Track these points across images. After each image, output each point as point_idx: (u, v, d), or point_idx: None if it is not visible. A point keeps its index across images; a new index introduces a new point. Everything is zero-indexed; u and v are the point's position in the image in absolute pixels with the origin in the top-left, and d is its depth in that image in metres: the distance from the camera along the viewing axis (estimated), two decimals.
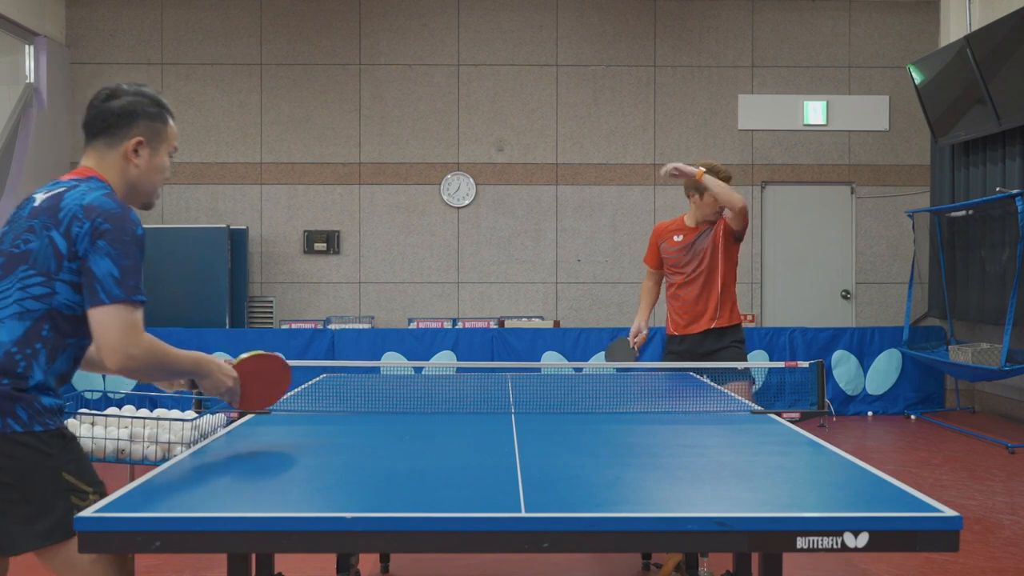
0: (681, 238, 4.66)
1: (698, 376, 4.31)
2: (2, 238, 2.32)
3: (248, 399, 2.60)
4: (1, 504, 2.12)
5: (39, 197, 2.34)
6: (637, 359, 4.69)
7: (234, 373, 2.53)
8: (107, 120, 2.39)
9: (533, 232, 9.81)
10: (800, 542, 1.81)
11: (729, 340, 4.60)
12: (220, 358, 2.55)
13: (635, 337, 4.66)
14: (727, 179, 4.54)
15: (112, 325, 2.17)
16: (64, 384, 2.30)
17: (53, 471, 2.15)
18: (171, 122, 2.50)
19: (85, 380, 7.98)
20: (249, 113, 9.72)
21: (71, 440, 2.24)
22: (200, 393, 2.76)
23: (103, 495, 2.17)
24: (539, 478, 2.22)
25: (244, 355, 2.64)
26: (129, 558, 2.25)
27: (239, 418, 3.12)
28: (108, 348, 2.18)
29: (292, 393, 3.64)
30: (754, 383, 4.58)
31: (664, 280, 4.83)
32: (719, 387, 3.99)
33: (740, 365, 4.42)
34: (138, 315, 2.20)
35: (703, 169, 4.49)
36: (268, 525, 1.85)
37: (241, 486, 2.23)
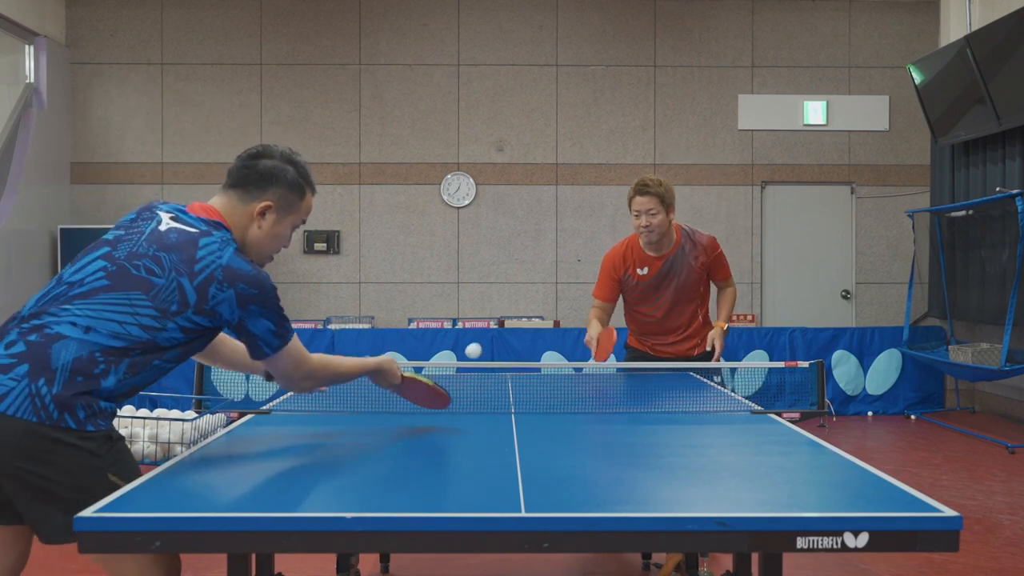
0: (646, 271, 4.44)
1: (697, 376, 4.31)
2: (116, 243, 2.35)
3: (409, 396, 3.02)
4: (49, 494, 2.16)
5: (164, 219, 2.38)
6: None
7: (397, 380, 2.90)
8: (248, 177, 2.46)
9: (533, 232, 9.81)
10: (800, 542, 1.81)
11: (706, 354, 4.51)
12: (391, 359, 2.92)
13: (594, 342, 4.32)
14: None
15: (283, 367, 2.47)
16: (130, 397, 2.36)
17: (100, 471, 2.19)
18: (308, 196, 2.57)
19: None
20: (249, 113, 9.72)
21: (118, 441, 2.31)
22: (201, 393, 2.80)
23: None
24: (539, 478, 2.22)
25: (414, 374, 2.97)
26: (176, 557, 2.29)
27: (239, 418, 3.12)
28: (287, 383, 2.55)
29: (292, 393, 3.64)
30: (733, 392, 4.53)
31: (627, 307, 4.61)
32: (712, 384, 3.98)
33: (731, 365, 4.42)
34: (298, 348, 2.48)
35: (723, 325, 4.42)
36: (268, 525, 1.85)
37: (241, 486, 2.23)
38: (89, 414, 2.20)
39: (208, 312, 2.31)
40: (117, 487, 2.17)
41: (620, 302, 4.65)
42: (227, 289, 2.30)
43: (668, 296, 4.46)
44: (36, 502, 2.17)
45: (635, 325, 4.63)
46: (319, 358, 2.57)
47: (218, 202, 2.47)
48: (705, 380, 4.18)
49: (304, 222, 2.61)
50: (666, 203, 4.31)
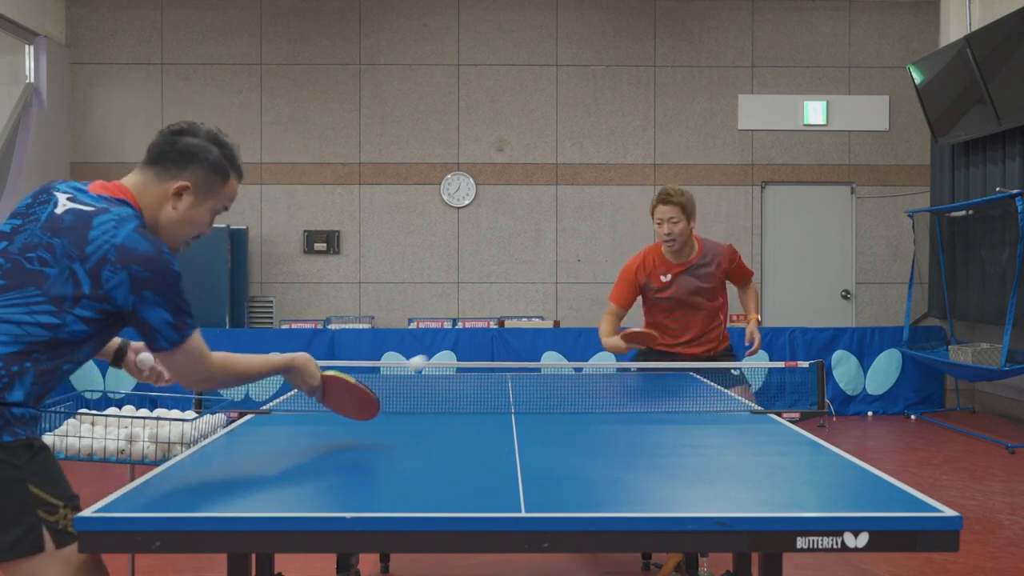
0: (668, 278, 4.53)
1: (698, 376, 4.31)
2: (12, 235, 2.15)
3: (332, 404, 2.67)
4: None
5: (61, 201, 2.17)
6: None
7: (315, 381, 2.58)
8: (167, 154, 2.26)
9: (533, 232, 9.81)
10: (800, 542, 1.81)
11: (722, 355, 4.65)
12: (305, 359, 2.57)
13: (627, 339, 4.42)
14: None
15: (180, 364, 2.20)
16: (43, 400, 2.18)
17: (19, 483, 2.03)
18: (232, 181, 2.35)
19: (85, 380, 7.98)
20: (249, 113, 9.72)
21: (40, 451, 2.11)
22: (201, 392, 2.75)
23: (77, 508, 2.08)
24: (539, 478, 2.22)
25: (335, 372, 2.64)
26: (102, 567, 2.17)
27: (239, 418, 3.12)
28: (183, 380, 2.27)
29: (292, 393, 3.64)
30: (751, 387, 4.56)
31: (648, 315, 4.69)
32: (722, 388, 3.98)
33: (735, 365, 4.44)
34: (198, 343, 2.21)
35: (757, 317, 4.64)
36: (268, 525, 1.84)
37: (241, 486, 2.23)
38: (2, 424, 2.02)
39: (104, 298, 2.09)
40: (41, 499, 2.04)
41: (639, 313, 4.78)
42: (120, 271, 2.07)
43: (689, 303, 4.56)
44: None
45: (652, 325, 4.68)
46: (221, 357, 2.28)
47: (131, 179, 2.27)
48: (731, 372, 4.21)
49: (227, 208, 2.39)
50: (687, 212, 4.45)
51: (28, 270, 2.09)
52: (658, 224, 4.46)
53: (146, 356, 2.57)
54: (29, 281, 2.08)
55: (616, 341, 4.45)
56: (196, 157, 2.26)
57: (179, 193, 2.25)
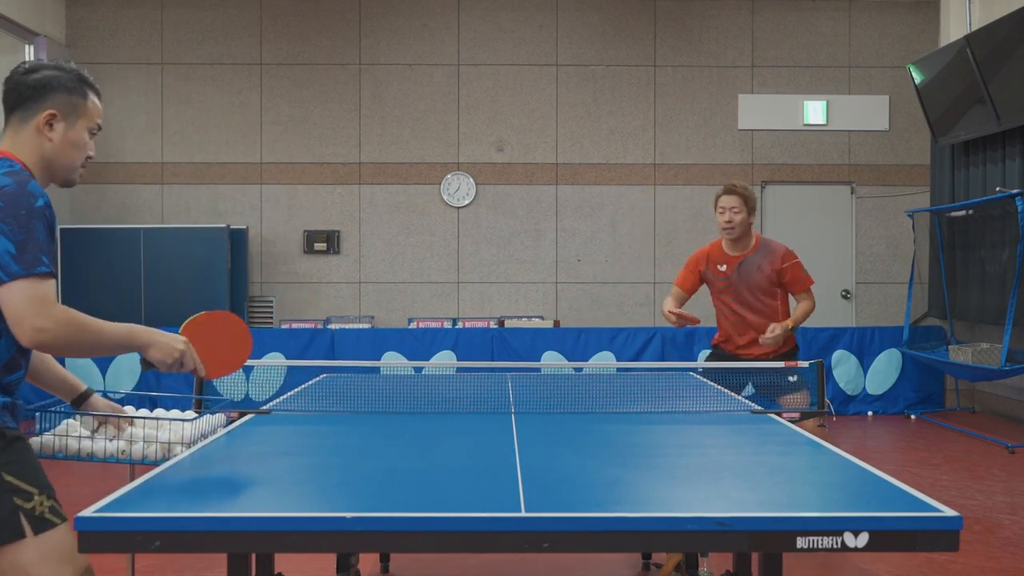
0: (725, 267, 4.84)
1: (697, 377, 4.32)
2: None
3: (212, 364, 2.44)
4: None
5: None
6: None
7: (181, 338, 2.35)
8: (22, 93, 2.29)
9: (533, 232, 9.81)
10: (800, 542, 1.81)
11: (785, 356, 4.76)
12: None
13: (674, 314, 4.63)
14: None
15: (16, 302, 2.07)
16: (13, 374, 2.21)
17: None
18: (92, 97, 2.37)
19: (85, 380, 7.98)
20: (249, 113, 9.72)
21: (14, 440, 2.15)
22: (201, 393, 2.74)
23: (52, 498, 2.14)
24: (539, 478, 2.22)
25: (188, 320, 2.46)
26: (87, 565, 2.20)
27: (239, 418, 3.12)
28: (16, 324, 2.08)
29: (292, 393, 3.64)
30: (808, 395, 4.57)
31: (714, 301, 4.94)
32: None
33: (729, 365, 4.46)
34: (45, 287, 2.09)
35: (789, 324, 4.74)
36: (268, 525, 1.85)
37: (241, 486, 2.23)
38: None
39: None
40: (15, 487, 2.09)
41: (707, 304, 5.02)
42: None
43: (742, 293, 4.80)
44: None
45: (720, 321, 4.93)
46: (69, 310, 2.15)
47: (2, 141, 2.31)
48: (788, 378, 4.33)
49: (100, 127, 2.41)
50: (748, 205, 4.86)
51: None
52: (720, 213, 4.84)
53: (101, 403, 2.58)
54: None
55: (669, 307, 4.71)
56: (50, 85, 2.30)
57: (49, 123, 2.30)
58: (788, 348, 4.85)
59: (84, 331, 2.15)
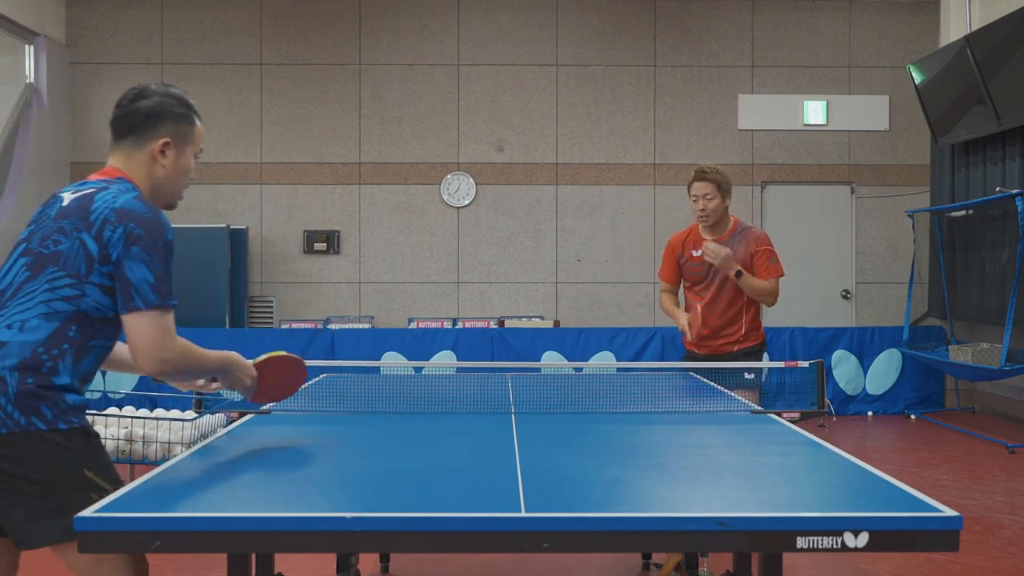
0: (700, 252, 4.61)
1: (697, 376, 4.31)
2: (30, 237, 2.33)
3: (262, 393, 2.69)
4: (24, 498, 2.15)
5: (67, 197, 2.34)
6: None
7: (253, 372, 2.61)
8: (135, 120, 2.39)
9: (533, 232, 9.81)
10: (800, 542, 1.81)
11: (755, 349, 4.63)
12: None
13: (689, 328, 4.49)
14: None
15: (148, 330, 2.23)
16: (88, 383, 2.33)
17: (75, 468, 2.18)
18: (198, 123, 2.50)
19: None
20: (249, 113, 9.72)
21: (93, 437, 2.28)
22: (201, 393, 2.76)
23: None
24: (539, 478, 2.22)
25: (264, 356, 2.70)
26: (143, 557, 2.27)
27: (239, 418, 3.12)
28: (143, 352, 2.24)
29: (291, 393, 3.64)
30: (763, 394, 4.53)
31: (686, 289, 4.77)
32: (727, 391, 3.98)
33: (734, 366, 4.43)
34: (171, 319, 2.27)
35: (739, 269, 4.53)
36: (268, 525, 1.84)
37: (241, 486, 2.23)
38: (56, 412, 2.18)
39: (106, 258, 2.23)
40: (94, 483, 2.17)
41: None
42: (118, 227, 2.23)
43: (716, 281, 4.59)
44: (15, 507, 2.15)
45: (691, 306, 4.75)
46: (184, 343, 2.33)
47: (114, 160, 2.42)
48: (747, 376, 4.22)
49: (202, 151, 2.53)
50: (722, 189, 4.60)
51: (46, 255, 2.26)
52: (694, 200, 4.64)
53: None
54: (48, 262, 2.25)
55: (672, 309, 4.64)
56: (164, 113, 2.41)
57: (163, 151, 2.41)
58: (756, 343, 4.64)
59: (195, 362, 2.37)
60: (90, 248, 2.23)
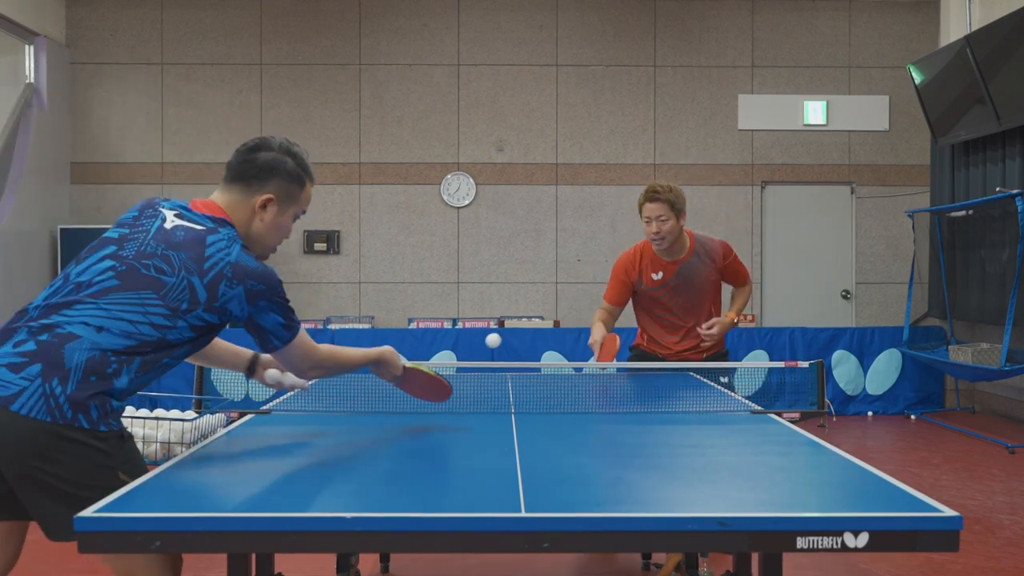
0: (661, 275, 4.39)
1: (697, 377, 4.31)
2: (121, 242, 2.35)
3: (407, 388, 3.02)
4: (60, 492, 2.16)
5: (169, 217, 2.39)
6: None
7: (399, 371, 2.91)
8: (248, 171, 2.48)
9: (533, 232, 9.81)
10: (800, 542, 1.81)
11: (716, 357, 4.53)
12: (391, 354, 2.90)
13: (598, 346, 4.20)
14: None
15: (294, 360, 2.51)
16: (142, 390, 2.39)
17: (110, 471, 2.20)
18: (308, 186, 2.61)
19: None
20: (249, 113, 9.72)
21: (128, 440, 2.32)
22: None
23: None
24: (539, 478, 2.22)
25: (419, 365, 3.00)
26: (179, 557, 2.31)
27: (239, 418, 3.12)
28: (299, 373, 2.60)
29: (292, 393, 3.64)
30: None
31: (640, 309, 4.58)
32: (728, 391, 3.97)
33: (732, 365, 4.41)
34: (306, 339, 2.51)
35: (733, 316, 4.44)
36: (268, 525, 1.84)
37: (241, 486, 2.23)
38: (102, 414, 2.21)
39: (218, 310, 2.34)
40: (126, 485, 2.17)
41: (630, 307, 4.64)
42: (237, 286, 2.33)
43: (682, 301, 4.43)
44: (46, 500, 2.17)
45: (648, 328, 4.58)
46: (327, 349, 2.61)
47: (220, 198, 2.48)
48: (709, 382, 4.18)
49: (305, 212, 2.63)
50: (676, 209, 4.28)
51: (144, 275, 2.29)
52: (646, 222, 4.32)
53: (273, 372, 2.84)
54: (146, 285, 2.28)
55: (600, 333, 4.27)
56: (275, 170, 2.51)
57: (264, 205, 2.50)
58: (718, 350, 4.53)
59: (344, 364, 2.69)
60: (199, 294, 2.30)
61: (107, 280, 2.28)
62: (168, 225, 2.36)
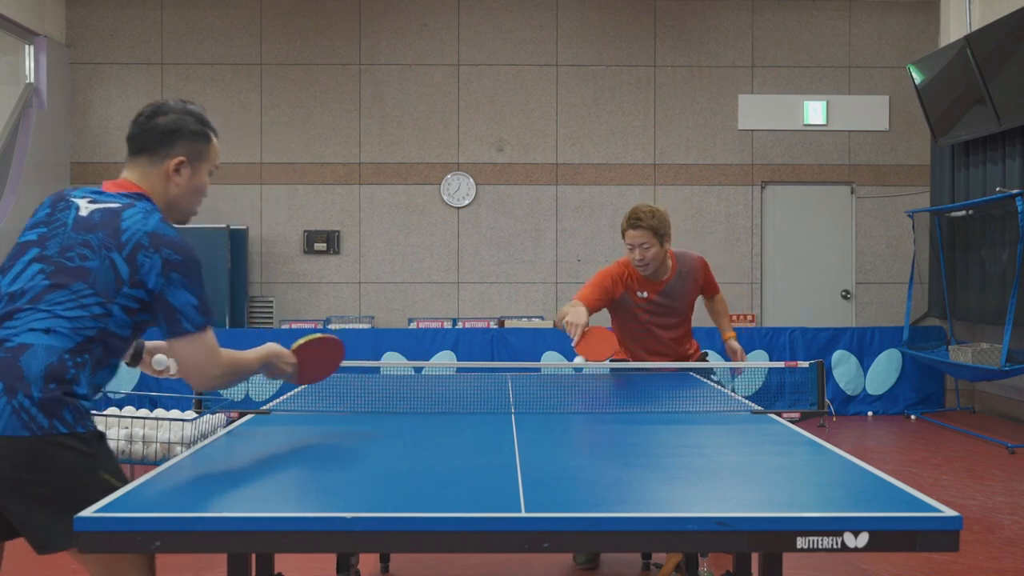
0: (646, 295, 4.36)
1: (697, 376, 4.31)
2: (43, 242, 2.29)
3: (304, 377, 2.80)
4: (45, 504, 2.13)
5: (83, 205, 2.33)
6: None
7: (293, 359, 2.71)
8: (151, 138, 2.41)
9: (533, 232, 9.81)
10: (800, 542, 1.81)
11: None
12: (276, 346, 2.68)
13: (578, 329, 3.93)
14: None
15: (198, 352, 2.30)
16: (100, 391, 2.35)
17: (94, 471, 2.18)
18: (214, 140, 2.53)
19: None
20: (249, 113, 9.72)
21: (105, 440, 2.30)
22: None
23: None
24: (539, 478, 2.22)
25: (301, 340, 2.77)
26: (152, 557, 2.28)
27: (239, 418, 3.12)
28: (197, 372, 2.33)
29: (292, 393, 3.65)
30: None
31: (617, 326, 4.53)
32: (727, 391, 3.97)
33: (731, 365, 4.43)
34: (214, 338, 2.33)
35: (733, 335, 4.50)
36: (268, 525, 1.84)
37: (241, 486, 2.23)
38: (76, 416, 2.18)
39: (139, 283, 2.25)
40: (110, 484, 2.17)
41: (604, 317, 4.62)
42: (154, 255, 2.24)
43: (666, 320, 4.45)
44: (37, 513, 2.14)
45: (624, 340, 4.56)
46: (229, 354, 2.41)
47: (130, 174, 2.42)
48: (702, 378, 4.19)
49: (217, 167, 2.55)
50: (659, 235, 4.22)
51: (71, 268, 2.24)
52: (629, 249, 4.27)
53: (160, 357, 2.71)
54: (76, 277, 2.23)
55: (582, 316, 3.97)
56: (179, 131, 2.43)
57: (177, 169, 2.42)
58: (698, 356, 4.59)
59: (240, 369, 2.45)
60: (120, 270, 2.23)
61: (39, 283, 2.23)
62: (84, 212, 2.30)
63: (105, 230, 2.26)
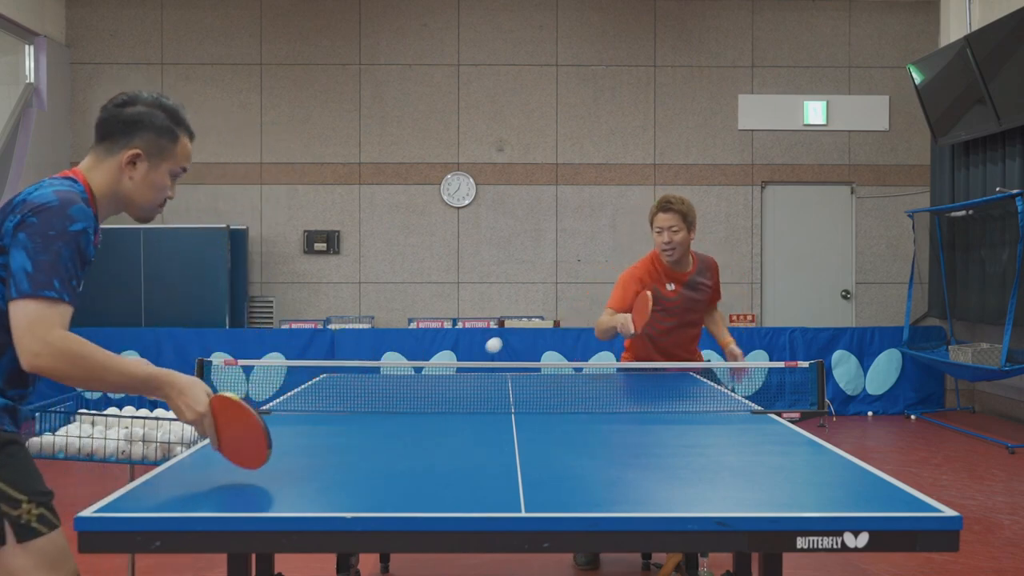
0: (674, 287, 4.42)
1: (697, 376, 4.31)
2: None
3: (225, 443, 2.21)
4: None
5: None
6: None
7: (201, 407, 2.16)
8: (112, 127, 2.26)
9: (533, 232, 9.81)
10: (800, 542, 1.81)
11: None
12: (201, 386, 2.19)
13: (630, 321, 4.11)
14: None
15: (18, 321, 2.01)
16: (20, 386, 2.18)
17: None
18: (183, 140, 2.33)
19: None
20: (249, 113, 9.72)
21: (10, 444, 2.11)
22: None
23: (46, 505, 2.11)
24: (539, 478, 2.22)
25: (230, 394, 2.19)
26: (73, 567, 2.16)
27: None
28: (16, 344, 2.02)
29: (292, 393, 3.65)
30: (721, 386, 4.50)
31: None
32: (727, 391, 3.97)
33: (732, 365, 4.43)
34: (49, 312, 2.00)
35: (733, 340, 4.50)
36: (268, 525, 1.85)
37: (241, 486, 2.23)
38: None
39: (4, 250, 2.09)
40: (6, 494, 2.06)
41: None
42: (16, 217, 2.07)
43: (686, 318, 4.48)
44: None
45: (641, 342, 4.53)
46: (75, 339, 2.04)
47: (85, 161, 2.29)
48: (704, 379, 4.19)
49: (185, 170, 2.37)
50: (688, 221, 4.36)
51: None
52: (657, 232, 4.37)
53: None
54: None
55: (617, 319, 4.15)
56: (142, 124, 2.26)
57: (132, 162, 2.27)
58: (699, 359, 4.67)
59: (85, 363, 2.04)
60: (1, 241, 2.10)
61: None
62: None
63: (5, 208, 2.14)
